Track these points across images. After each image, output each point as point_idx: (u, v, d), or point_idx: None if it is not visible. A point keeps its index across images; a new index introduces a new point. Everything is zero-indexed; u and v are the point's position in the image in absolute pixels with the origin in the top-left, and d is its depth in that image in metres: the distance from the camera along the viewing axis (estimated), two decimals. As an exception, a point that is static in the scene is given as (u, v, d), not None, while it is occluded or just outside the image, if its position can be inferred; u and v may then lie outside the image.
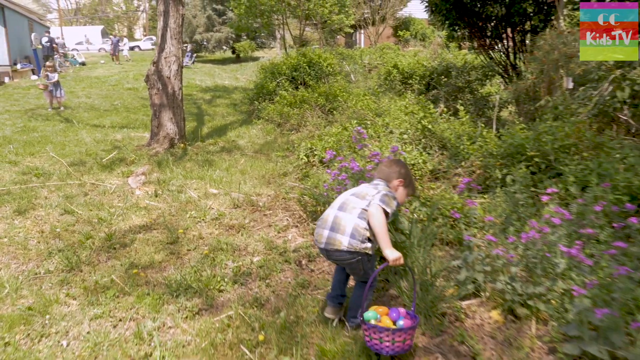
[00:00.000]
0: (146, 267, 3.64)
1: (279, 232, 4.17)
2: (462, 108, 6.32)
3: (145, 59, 28.87)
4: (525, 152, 4.50)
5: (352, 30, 22.97)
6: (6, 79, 19.01)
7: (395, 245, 3.24)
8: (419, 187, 4.69)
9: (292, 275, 3.47)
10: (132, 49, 41.18)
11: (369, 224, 2.51)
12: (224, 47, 34.06)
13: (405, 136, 5.73)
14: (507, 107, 8.42)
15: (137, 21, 60.47)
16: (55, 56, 22.49)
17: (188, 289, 3.26)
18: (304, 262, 3.66)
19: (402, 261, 2.44)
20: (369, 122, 7.07)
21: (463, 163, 5.13)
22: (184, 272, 3.50)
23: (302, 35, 18.15)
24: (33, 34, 21.75)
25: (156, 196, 5.25)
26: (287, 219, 4.42)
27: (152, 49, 38.06)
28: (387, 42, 22.09)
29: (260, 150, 7.69)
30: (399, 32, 25.28)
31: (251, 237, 4.12)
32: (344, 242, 2.50)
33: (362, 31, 26.14)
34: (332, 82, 11.32)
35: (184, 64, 25.18)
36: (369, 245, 2.53)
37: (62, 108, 11.76)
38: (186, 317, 2.95)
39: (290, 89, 10.83)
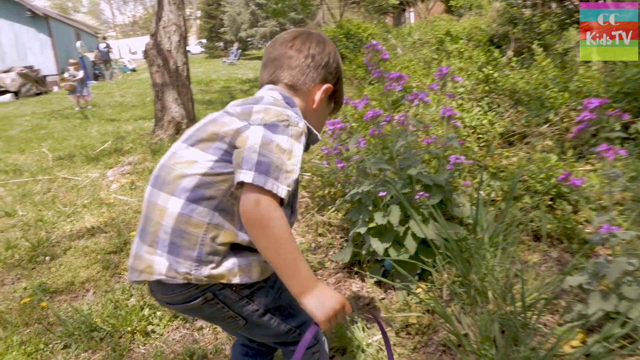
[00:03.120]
0: (60, 291, 2.36)
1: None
2: (540, 50, 4.61)
3: (193, 62, 28.58)
4: (660, 87, 2.80)
5: (398, 4, 21.08)
6: (55, 88, 19.03)
7: (445, 246, 1.74)
8: (485, 155, 3.11)
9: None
10: (183, 53, 41.50)
11: (220, 209, 1.01)
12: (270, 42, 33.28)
13: (461, 89, 4.12)
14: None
15: (190, 28, 61.86)
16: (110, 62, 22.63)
17: (93, 331, 1.93)
18: (297, 277, 2.23)
19: (347, 311, 0.97)
20: (414, 85, 5.51)
21: (551, 116, 3.47)
22: (106, 299, 2.19)
23: (342, 16, 16.61)
24: (78, 42, 21.81)
25: (132, 189, 4.02)
26: (289, 211, 3.01)
27: (202, 52, 38.35)
28: (439, 15, 20.08)
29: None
30: (451, 1, 23.08)
31: (229, 239, 2.75)
32: (156, 264, 1.01)
33: (412, 10, 24.20)
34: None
35: (229, 62, 24.77)
36: (229, 265, 1.01)
37: (89, 107, 11.08)
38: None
39: (325, 64, 9.40)
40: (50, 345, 1.89)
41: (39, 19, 19.49)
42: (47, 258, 2.73)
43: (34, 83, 17.40)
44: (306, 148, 1.09)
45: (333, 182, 2.80)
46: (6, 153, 6.05)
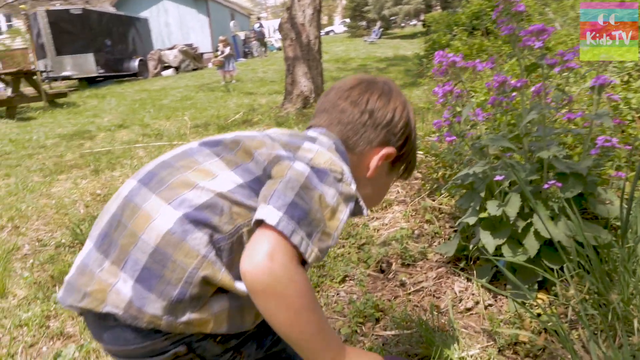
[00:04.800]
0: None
1: (373, 211, 2.53)
2: None
3: (335, 41, 29.11)
4: None
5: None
6: (209, 65, 20.80)
7: (578, 253, 1.36)
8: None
9: (361, 290, 1.84)
10: (327, 33, 43.15)
11: (220, 248, 0.71)
12: (414, 21, 32.37)
13: (629, 64, 3.35)
14: None
15: (336, 8, 63.14)
16: (253, 42, 24.35)
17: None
18: (394, 266, 1.97)
19: None
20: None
21: None
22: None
23: (495, -13, 15.23)
24: (232, 22, 23.49)
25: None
26: (399, 191, 2.73)
27: (344, 32, 38.81)
28: (613, -14, 17.35)
29: (415, 112, 5.99)
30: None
31: (330, 216, 2.59)
32: (114, 291, 0.69)
33: (579, -20, 21.30)
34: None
35: (370, 40, 24.65)
36: (216, 308, 0.72)
37: (233, 81, 11.85)
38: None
39: (466, 39, 8.70)
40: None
41: (200, 1, 21.39)
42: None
43: (192, 59, 19.21)
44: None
45: (450, 163, 2.46)
46: (155, 119, 6.70)
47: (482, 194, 1.61)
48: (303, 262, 0.70)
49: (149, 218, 0.71)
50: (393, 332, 1.54)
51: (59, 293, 0.78)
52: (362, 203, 0.83)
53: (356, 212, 0.83)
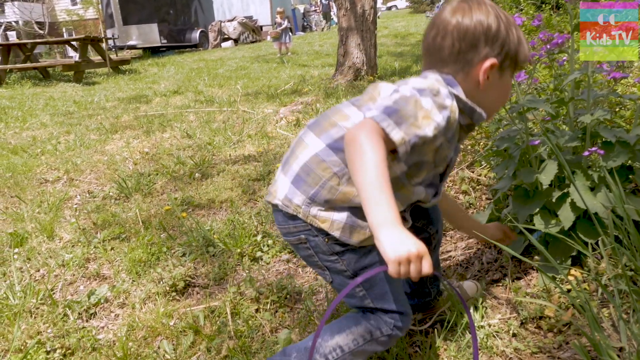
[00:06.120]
0: (202, 206, 2.51)
1: (409, 180, 2.47)
2: None
3: (396, 16, 28.39)
4: None
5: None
6: (268, 37, 20.91)
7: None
8: None
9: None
10: (389, 8, 42.14)
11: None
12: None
13: None
14: None
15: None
16: (313, 16, 24.19)
17: (209, 246, 1.98)
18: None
19: (426, 269, 0.78)
20: None
21: None
22: (227, 219, 2.24)
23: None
24: (292, -5, 23.39)
25: (295, 125, 4.10)
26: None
27: (407, 7, 37.73)
28: None
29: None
30: None
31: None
32: (279, 189, 1.07)
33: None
34: (600, 3, 8.10)
35: (429, 15, 23.79)
36: (337, 216, 1.01)
37: (289, 54, 11.87)
38: (164, 292, 1.69)
39: (533, 13, 8.19)
40: (172, 251, 2.00)
41: (261, -27, 21.37)
42: (198, 175, 2.94)
43: (250, 32, 19.36)
44: (469, 128, 1.07)
45: (493, 134, 2.34)
46: (209, 87, 6.84)
47: (517, 160, 1.52)
48: (394, 151, 0.91)
49: (306, 146, 1.04)
50: (412, 297, 1.51)
51: (265, 197, 1.16)
52: (479, 110, 1.02)
53: (476, 118, 1.03)
